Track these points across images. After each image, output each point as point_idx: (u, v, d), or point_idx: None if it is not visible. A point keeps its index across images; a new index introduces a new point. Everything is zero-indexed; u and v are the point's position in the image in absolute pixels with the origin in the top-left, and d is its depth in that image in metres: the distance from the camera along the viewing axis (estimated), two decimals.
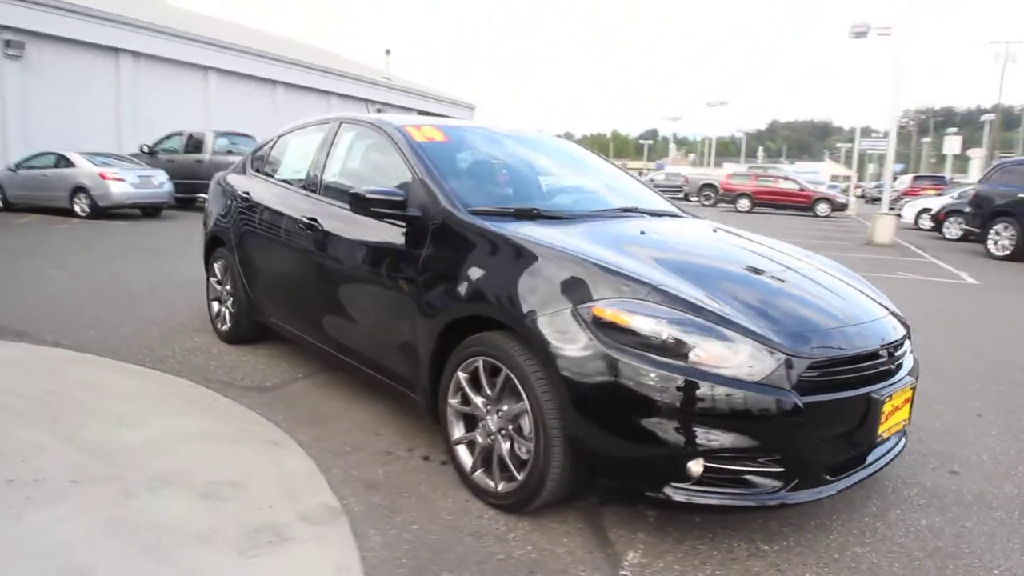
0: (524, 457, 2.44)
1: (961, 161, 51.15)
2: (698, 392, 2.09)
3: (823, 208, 23.52)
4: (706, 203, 28.85)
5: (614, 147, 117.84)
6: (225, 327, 4.61)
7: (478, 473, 2.61)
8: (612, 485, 2.29)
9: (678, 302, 2.24)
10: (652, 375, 2.12)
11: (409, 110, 32.39)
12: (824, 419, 2.19)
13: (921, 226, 18.63)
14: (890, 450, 2.60)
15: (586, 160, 4.13)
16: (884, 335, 2.47)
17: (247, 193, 4.30)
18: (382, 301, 3.06)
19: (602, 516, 2.55)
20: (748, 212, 24.55)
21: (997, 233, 11.56)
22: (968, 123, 70.89)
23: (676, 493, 2.14)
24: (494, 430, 2.53)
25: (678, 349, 2.14)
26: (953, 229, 15.57)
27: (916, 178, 28.67)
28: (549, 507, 2.50)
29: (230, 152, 15.06)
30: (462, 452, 2.69)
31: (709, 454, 2.11)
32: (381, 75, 31.38)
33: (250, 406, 3.53)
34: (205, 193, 15.53)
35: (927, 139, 60.43)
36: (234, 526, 2.36)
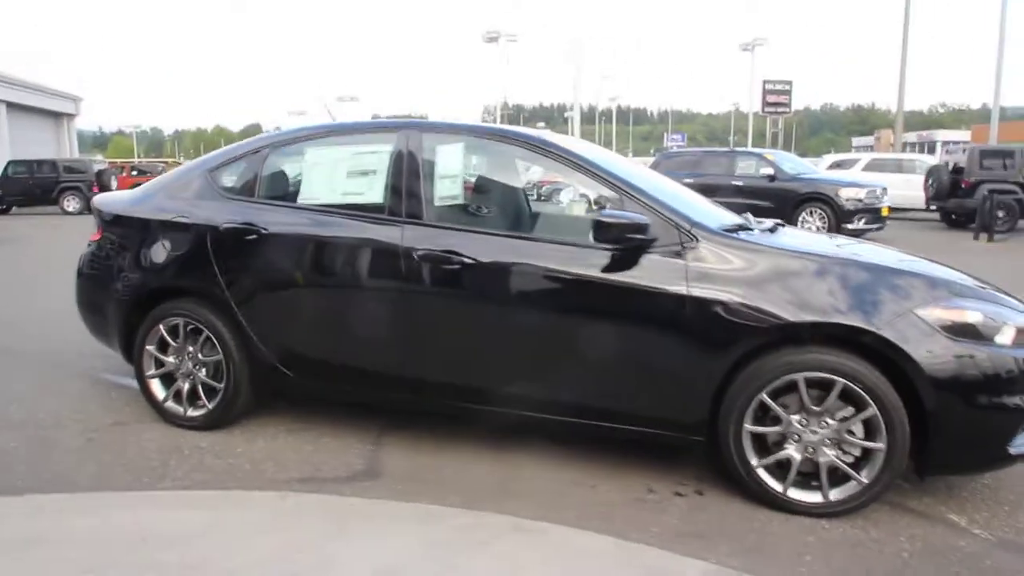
0: (850, 461, 2.55)
1: None
2: (1020, 364, 2.50)
3: None
4: None
5: (225, 141, 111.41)
6: (200, 410, 3.35)
7: (793, 490, 2.60)
8: (962, 462, 2.57)
9: (980, 293, 2.61)
10: (994, 357, 2.45)
11: None
12: None
13: None
14: None
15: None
16: None
17: (250, 224, 3.17)
18: (622, 341, 2.71)
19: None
20: None
21: None
22: (548, 118, 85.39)
23: (1016, 449, 2.52)
24: (814, 441, 2.56)
25: (995, 332, 2.51)
26: None
27: None
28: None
29: None
30: (764, 475, 2.63)
31: None
32: None
33: (400, 498, 2.75)
34: None
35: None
36: None
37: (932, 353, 2.43)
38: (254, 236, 3.17)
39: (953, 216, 14.91)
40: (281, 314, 3.17)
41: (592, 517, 2.63)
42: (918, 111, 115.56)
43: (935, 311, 2.49)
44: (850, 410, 2.53)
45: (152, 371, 3.43)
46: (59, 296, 7.12)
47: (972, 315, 2.50)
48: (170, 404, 3.41)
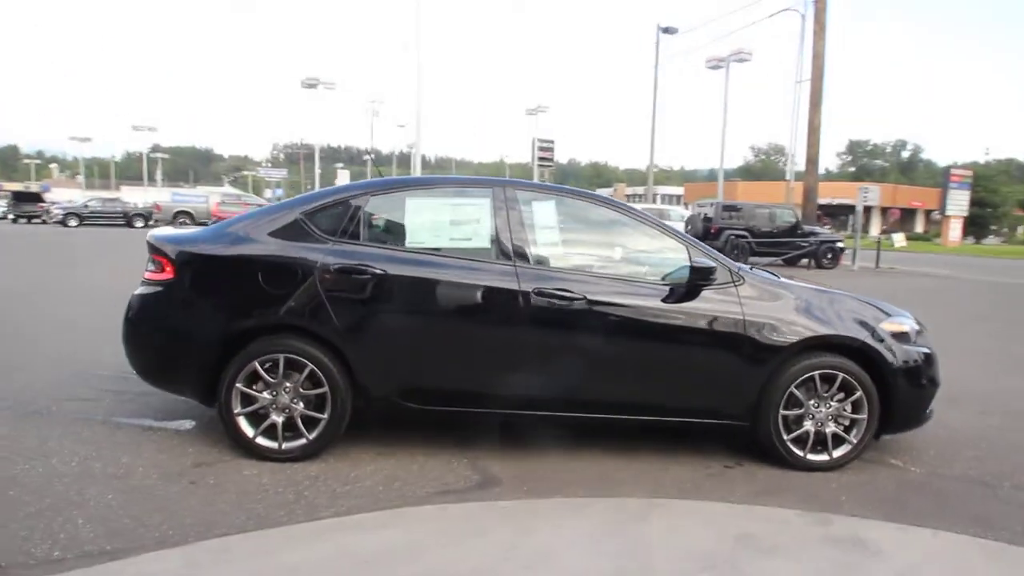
0: (839, 431, 3.40)
1: None
2: (930, 356, 3.55)
3: None
4: None
5: None
6: (297, 441, 3.20)
7: (810, 454, 3.37)
8: (907, 423, 3.51)
9: (898, 311, 3.63)
10: (918, 353, 3.47)
11: None
12: None
13: None
14: None
15: None
16: None
17: (366, 265, 3.16)
18: (706, 357, 3.30)
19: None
20: None
21: None
22: (345, 160, 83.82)
23: (930, 411, 3.56)
24: (822, 417, 3.36)
25: (914, 336, 3.55)
26: None
27: None
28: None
29: None
30: (792, 446, 3.35)
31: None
32: None
33: (537, 497, 2.99)
34: None
35: (319, 170, 68.81)
36: None
37: (892, 353, 3.38)
38: (369, 276, 3.17)
39: None
40: (402, 349, 3.20)
41: (688, 491, 3.13)
42: (638, 169, 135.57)
43: (888, 325, 3.46)
44: (843, 394, 3.38)
45: (239, 408, 3.19)
46: None
47: (904, 326, 3.52)
48: (261, 440, 3.20)
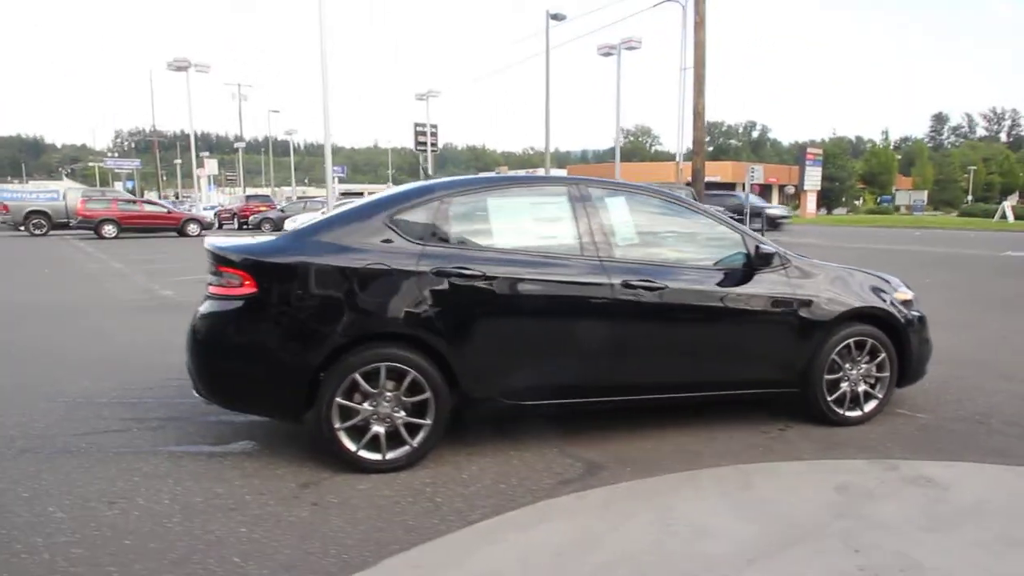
0: (868, 388, 3.93)
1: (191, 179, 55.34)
2: (924, 319, 4.17)
3: (194, 228, 22.93)
4: (37, 232, 23.24)
5: None
6: (401, 449, 3.18)
7: (847, 412, 3.86)
8: (915, 376, 4.09)
9: (898, 282, 4.21)
10: (918, 317, 4.08)
11: None
12: None
13: None
14: None
15: None
16: None
17: (464, 268, 3.17)
18: (766, 333, 3.66)
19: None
20: (116, 238, 21.47)
21: None
22: (208, 147, 77.22)
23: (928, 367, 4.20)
24: (854, 378, 3.87)
25: (914, 302, 4.16)
26: None
27: (248, 198, 30.76)
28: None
29: None
30: (833, 405, 3.83)
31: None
32: None
33: (648, 475, 3.21)
34: None
35: (178, 161, 63.02)
36: None
37: (905, 318, 3.96)
38: (468, 279, 3.19)
39: None
40: (503, 348, 3.26)
41: (762, 455, 3.49)
42: (514, 152, 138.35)
43: (897, 295, 4.04)
44: (869, 357, 3.91)
45: (339, 424, 3.10)
46: None
47: (908, 294, 4.12)
48: (364, 452, 3.14)
